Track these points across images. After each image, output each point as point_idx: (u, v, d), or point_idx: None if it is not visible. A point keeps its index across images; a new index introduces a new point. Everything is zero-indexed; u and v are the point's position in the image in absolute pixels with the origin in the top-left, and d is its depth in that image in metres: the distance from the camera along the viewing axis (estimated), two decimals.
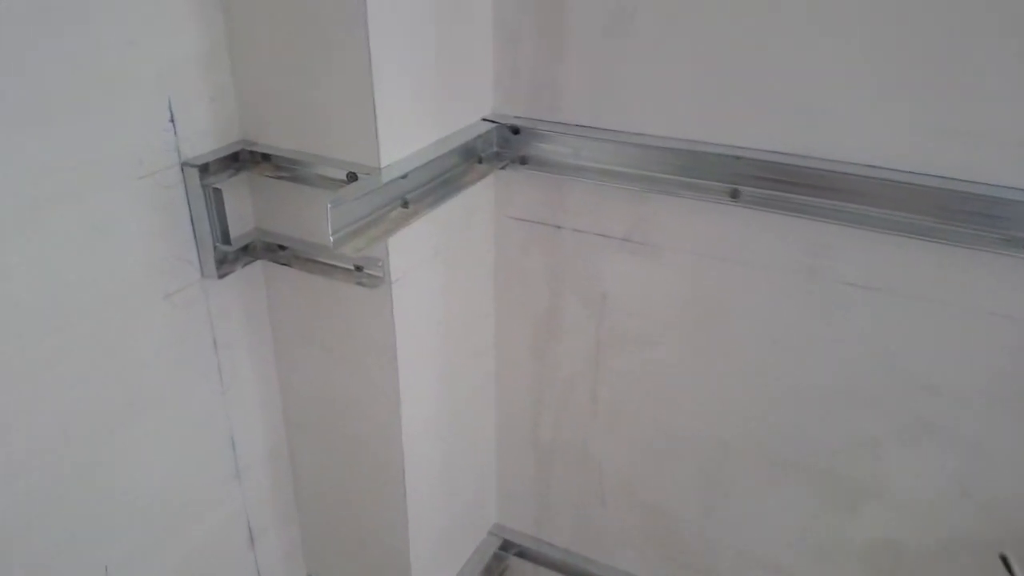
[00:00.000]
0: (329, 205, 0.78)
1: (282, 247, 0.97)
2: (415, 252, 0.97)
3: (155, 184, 0.85)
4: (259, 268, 1.02)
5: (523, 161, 1.02)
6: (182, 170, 0.87)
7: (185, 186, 0.88)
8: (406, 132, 0.89)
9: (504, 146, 1.03)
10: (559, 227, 1.09)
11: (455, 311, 1.08)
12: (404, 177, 0.88)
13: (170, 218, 0.87)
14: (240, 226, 0.97)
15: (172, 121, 0.85)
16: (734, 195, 0.91)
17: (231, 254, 0.94)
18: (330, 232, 0.80)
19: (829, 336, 0.95)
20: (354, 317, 0.97)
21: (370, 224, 0.86)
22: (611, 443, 1.18)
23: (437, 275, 1.03)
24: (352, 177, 0.87)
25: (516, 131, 1.01)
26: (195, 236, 0.91)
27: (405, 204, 0.90)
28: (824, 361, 0.97)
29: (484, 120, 1.03)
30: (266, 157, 0.92)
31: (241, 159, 0.92)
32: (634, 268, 1.05)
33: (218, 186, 0.88)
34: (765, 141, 0.89)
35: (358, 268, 0.94)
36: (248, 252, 0.98)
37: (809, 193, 0.87)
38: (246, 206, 0.98)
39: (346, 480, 1.10)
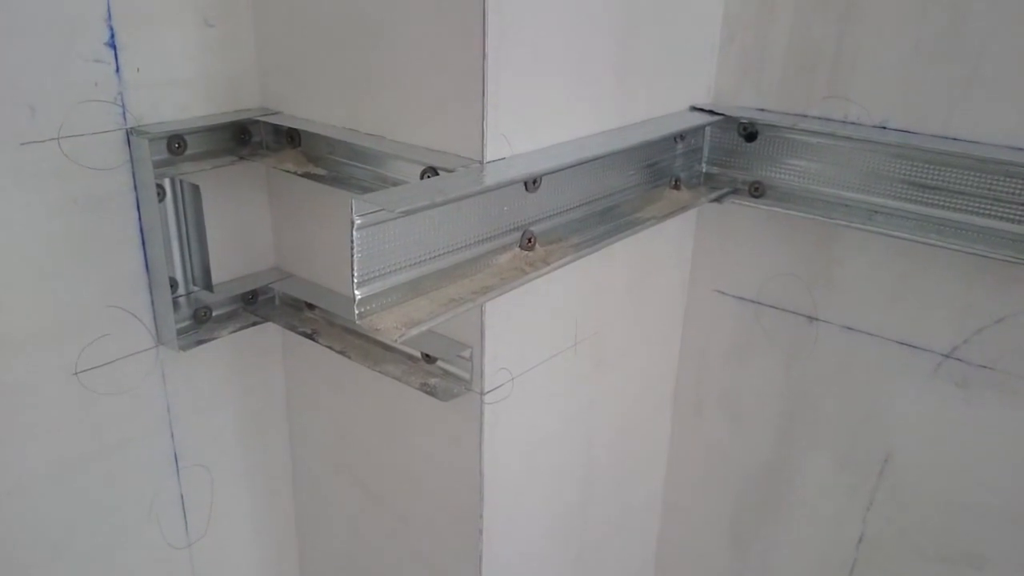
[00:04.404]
0: (354, 215, 0.49)
1: (310, 305, 0.77)
2: (536, 339, 0.77)
3: (64, 160, 0.65)
4: (275, 335, 0.85)
5: (757, 191, 0.83)
6: (128, 141, 0.67)
7: (133, 173, 0.67)
8: (542, 107, 0.68)
9: (724, 160, 0.86)
10: (813, 319, 0.89)
11: (599, 449, 0.89)
12: (531, 188, 0.64)
13: (95, 230, 0.68)
14: (241, 259, 0.82)
15: (112, 45, 0.65)
16: None
17: (216, 308, 0.78)
18: (354, 277, 0.52)
19: None
20: (416, 445, 0.79)
21: (449, 274, 0.60)
22: None
23: (573, 384, 0.83)
24: (430, 175, 0.62)
25: (751, 135, 0.82)
26: (147, 269, 0.71)
27: (529, 241, 0.64)
28: None
29: (694, 110, 0.85)
30: (294, 138, 0.73)
31: (254, 138, 0.76)
32: (957, 414, 0.83)
33: (196, 181, 0.71)
34: None
35: (428, 358, 0.70)
36: (253, 308, 0.81)
37: None
38: (257, 224, 0.82)
39: None
